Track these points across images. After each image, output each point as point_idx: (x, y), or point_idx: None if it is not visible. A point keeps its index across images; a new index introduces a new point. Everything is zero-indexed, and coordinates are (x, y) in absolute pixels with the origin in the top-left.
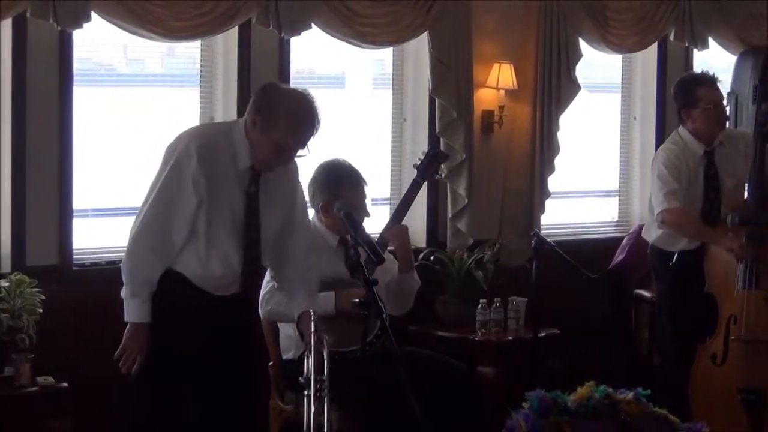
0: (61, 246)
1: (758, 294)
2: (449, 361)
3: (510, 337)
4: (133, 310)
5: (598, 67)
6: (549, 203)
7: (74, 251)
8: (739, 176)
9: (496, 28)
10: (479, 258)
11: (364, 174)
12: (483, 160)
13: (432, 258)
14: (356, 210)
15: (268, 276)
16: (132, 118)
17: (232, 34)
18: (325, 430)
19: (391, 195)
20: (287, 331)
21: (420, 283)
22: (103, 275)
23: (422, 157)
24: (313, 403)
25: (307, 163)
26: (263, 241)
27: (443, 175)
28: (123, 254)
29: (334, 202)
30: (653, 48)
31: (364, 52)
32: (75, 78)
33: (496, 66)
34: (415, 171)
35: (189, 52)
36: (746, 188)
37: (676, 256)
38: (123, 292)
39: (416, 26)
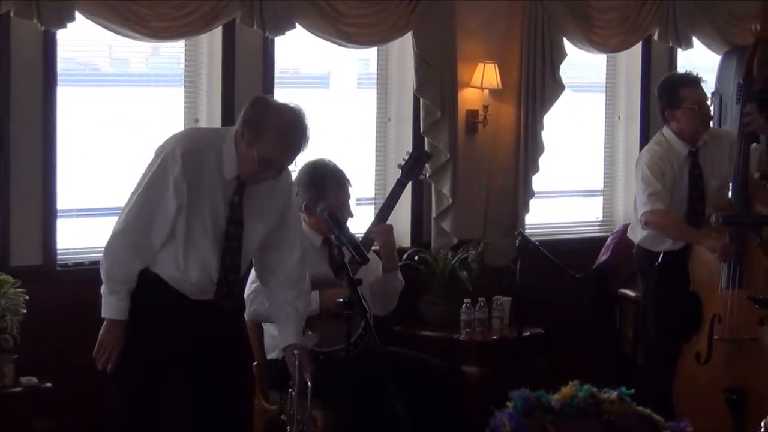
0: (45, 246)
1: (742, 293)
2: (433, 360)
3: (494, 337)
4: (110, 306)
5: (582, 66)
6: (533, 203)
7: (58, 251)
8: (723, 176)
9: (480, 28)
10: (464, 258)
11: (349, 174)
12: (467, 159)
13: (416, 258)
14: (340, 210)
15: (252, 277)
16: (116, 117)
17: (217, 33)
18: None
19: (375, 195)
20: (271, 331)
21: (404, 283)
22: (87, 275)
23: (406, 157)
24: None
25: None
26: (244, 252)
27: (427, 175)
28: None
29: (318, 202)
30: (637, 48)
31: (349, 51)
32: (59, 78)
33: (480, 66)
34: (400, 171)
35: (173, 51)
36: (730, 188)
37: (661, 256)
38: (102, 289)
39: (401, 26)
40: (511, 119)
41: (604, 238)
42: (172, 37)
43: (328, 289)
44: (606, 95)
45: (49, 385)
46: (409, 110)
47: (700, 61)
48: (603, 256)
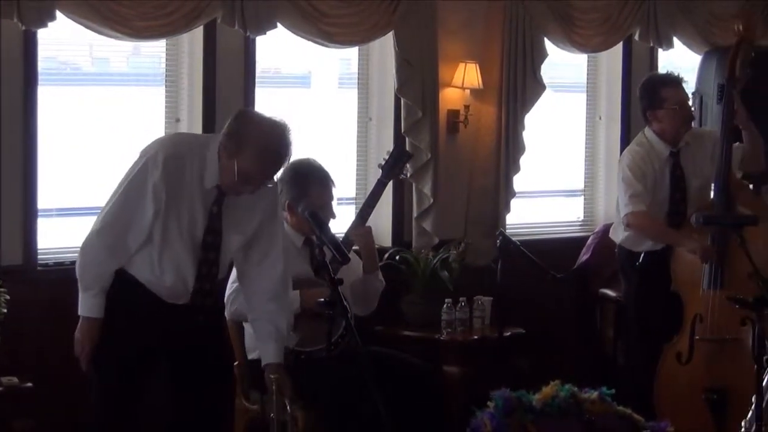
0: (25, 246)
1: (723, 293)
2: (414, 360)
3: (475, 337)
4: (84, 304)
5: (563, 66)
6: (514, 203)
7: (39, 251)
8: (705, 177)
9: (461, 28)
10: (445, 257)
11: (330, 174)
12: (448, 159)
13: (397, 258)
14: (322, 210)
15: (233, 276)
16: (97, 117)
17: (198, 33)
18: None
19: (356, 194)
20: (252, 331)
21: (384, 284)
22: (68, 275)
23: (387, 157)
24: None
25: None
26: (222, 261)
27: (408, 175)
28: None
29: (300, 201)
30: (618, 48)
31: (330, 51)
32: (40, 77)
33: (461, 65)
34: (380, 171)
35: (154, 51)
36: (712, 188)
37: (642, 256)
38: (79, 286)
39: (382, 26)
40: (492, 119)
41: (585, 238)
42: (153, 36)
43: (309, 288)
44: (587, 95)
45: (29, 384)
46: (390, 110)
47: (680, 61)
48: (584, 256)
